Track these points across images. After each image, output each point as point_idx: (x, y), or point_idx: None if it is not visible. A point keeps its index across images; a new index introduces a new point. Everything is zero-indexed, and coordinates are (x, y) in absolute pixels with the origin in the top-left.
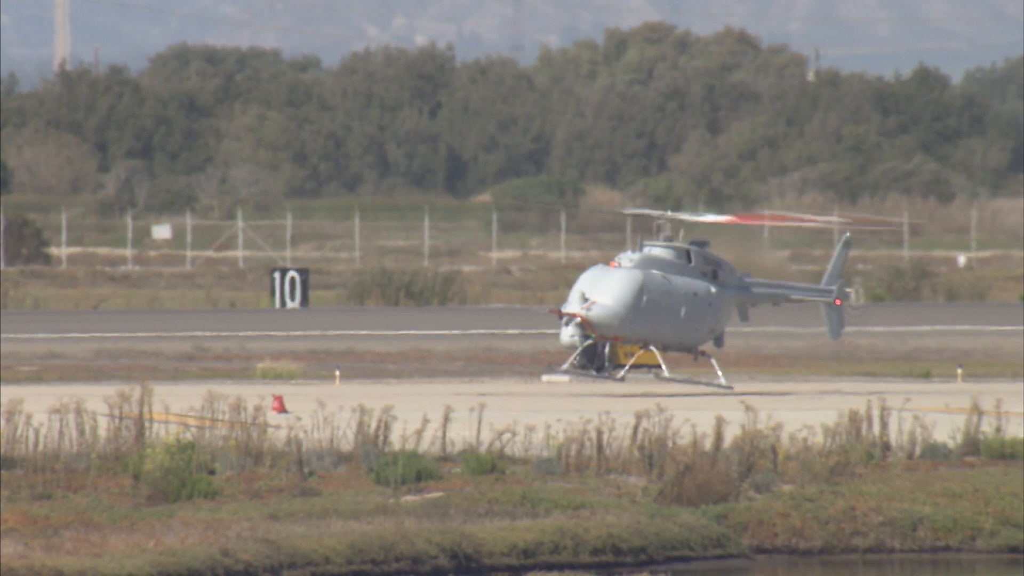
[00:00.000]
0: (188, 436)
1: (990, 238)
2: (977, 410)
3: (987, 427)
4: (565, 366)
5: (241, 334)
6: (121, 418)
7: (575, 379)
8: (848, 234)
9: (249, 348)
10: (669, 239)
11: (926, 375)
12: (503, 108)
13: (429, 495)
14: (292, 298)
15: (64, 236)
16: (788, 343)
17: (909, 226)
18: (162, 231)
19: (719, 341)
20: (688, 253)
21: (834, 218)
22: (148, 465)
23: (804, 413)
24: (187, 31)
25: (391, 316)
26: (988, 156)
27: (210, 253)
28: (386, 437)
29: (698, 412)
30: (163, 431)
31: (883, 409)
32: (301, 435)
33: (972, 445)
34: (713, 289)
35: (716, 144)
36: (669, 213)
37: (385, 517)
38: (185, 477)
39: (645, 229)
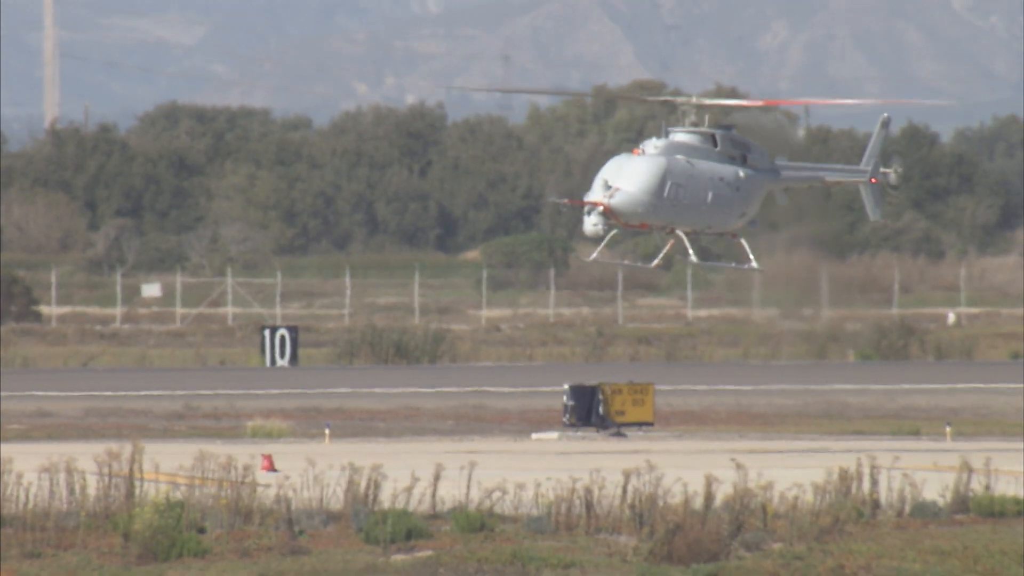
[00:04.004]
0: (178, 495)
1: (979, 296)
2: (966, 468)
3: (976, 485)
4: (594, 255)
5: (231, 392)
6: (111, 477)
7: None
8: (886, 114)
9: (239, 406)
10: (695, 125)
11: (915, 433)
12: (493, 166)
13: (419, 554)
14: (282, 356)
15: (54, 294)
16: (778, 401)
17: (899, 284)
18: (152, 289)
19: (753, 224)
20: (714, 137)
21: (868, 100)
22: (138, 524)
23: (794, 471)
24: (177, 90)
25: (381, 374)
26: (977, 214)
27: (200, 311)
28: (376, 495)
29: (688, 471)
30: (153, 490)
31: (872, 467)
32: (291, 494)
33: (962, 503)
34: (741, 173)
35: None
36: (694, 99)
37: None
38: (175, 536)
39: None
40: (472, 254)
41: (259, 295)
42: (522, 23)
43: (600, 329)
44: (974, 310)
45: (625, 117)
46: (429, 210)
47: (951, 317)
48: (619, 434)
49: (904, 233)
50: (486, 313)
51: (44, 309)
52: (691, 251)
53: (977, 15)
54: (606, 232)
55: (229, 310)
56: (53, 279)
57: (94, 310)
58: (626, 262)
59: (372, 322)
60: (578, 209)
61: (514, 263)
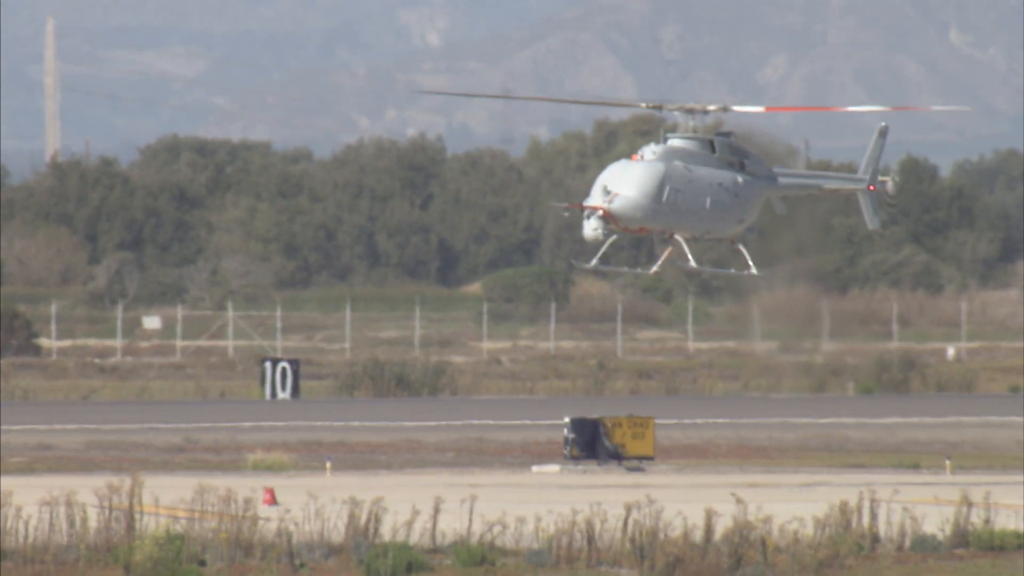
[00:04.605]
0: (178, 528)
1: (979, 330)
2: (966, 502)
3: (976, 519)
4: (594, 262)
5: (232, 425)
6: (111, 509)
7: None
8: (884, 123)
9: (240, 439)
10: (693, 131)
11: (915, 467)
12: (493, 199)
13: None
14: (283, 388)
15: (54, 327)
16: (778, 435)
17: (898, 318)
18: (152, 322)
19: (751, 230)
20: (712, 144)
21: (870, 107)
22: (138, 557)
23: (794, 505)
24: (178, 123)
25: (382, 407)
26: (978, 248)
27: (201, 343)
28: (376, 529)
29: (689, 504)
30: (153, 523)
31: (872, 501)
32: (292, 527)
33: (961, 537)
34: (740, 179)
35: None
36: (691, 104)
37: None
38: (175, 569)
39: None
40: (473, 287)
41: (260, 328)
42: (523, 57)
43: (601, 362)
44: (974, 344)
45: (625, 150)
46: (430, 243)
47: (951, 352)
48: (632, 468)
49: (904, 266)
50: (487, 346)
51: (45, 342)
52: (690, 257)
53: (977, 49)
54: (605, 237)
55: (230, 343)
56: (54, 312)
57: (95, 343)
58: (625, 268)
59: (373, 355)
60: (580, 240)
61: (515, 296)
